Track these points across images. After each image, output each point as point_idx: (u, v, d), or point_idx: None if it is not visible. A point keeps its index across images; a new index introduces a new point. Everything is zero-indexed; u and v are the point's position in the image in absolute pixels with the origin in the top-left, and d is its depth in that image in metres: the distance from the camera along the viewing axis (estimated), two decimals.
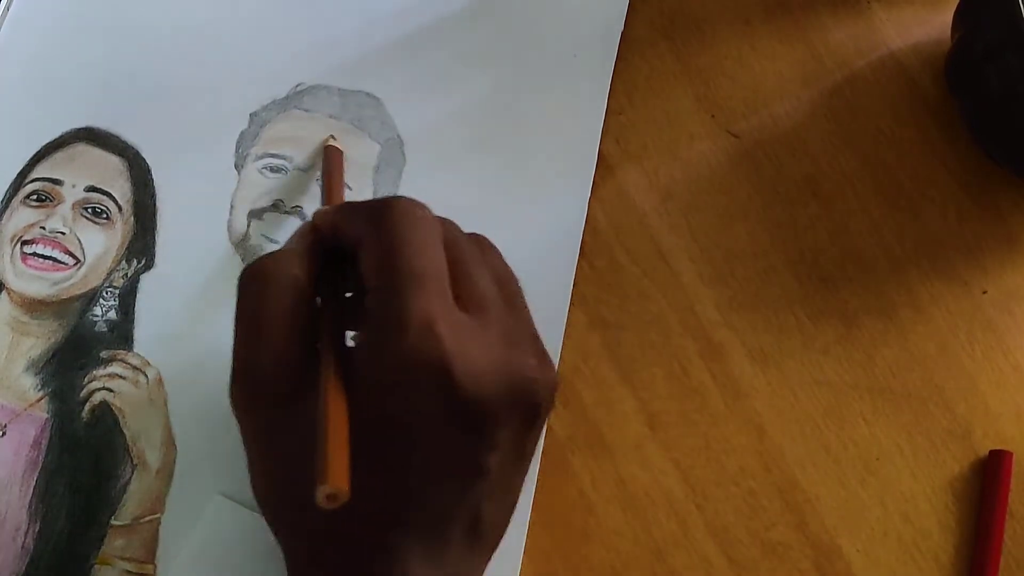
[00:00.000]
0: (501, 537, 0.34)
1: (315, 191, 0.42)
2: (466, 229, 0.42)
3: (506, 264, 0.36)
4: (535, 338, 0.34)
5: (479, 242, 0.36)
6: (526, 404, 0.32)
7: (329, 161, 0.41)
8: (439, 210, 0.42)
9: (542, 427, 0.34)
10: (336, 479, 0.28)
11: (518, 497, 0.34)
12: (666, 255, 0.42)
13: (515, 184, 0.43)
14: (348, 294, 0.34)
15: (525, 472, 0.34)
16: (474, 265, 0.34)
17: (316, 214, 0.36)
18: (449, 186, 0.43)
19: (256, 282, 0.33)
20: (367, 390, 0.31)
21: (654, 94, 0.44)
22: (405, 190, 0.42)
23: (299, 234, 0.35)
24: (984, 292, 0.42)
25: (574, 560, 0.39)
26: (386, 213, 0.32)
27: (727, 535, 0.39)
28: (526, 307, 0.35)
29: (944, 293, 0.42)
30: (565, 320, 0.41)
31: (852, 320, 0.41)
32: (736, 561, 0.39)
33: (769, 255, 0.42)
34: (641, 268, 0.42)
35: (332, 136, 0.43)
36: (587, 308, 0.41)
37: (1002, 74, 0.39)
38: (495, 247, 0.36)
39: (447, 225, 0.34)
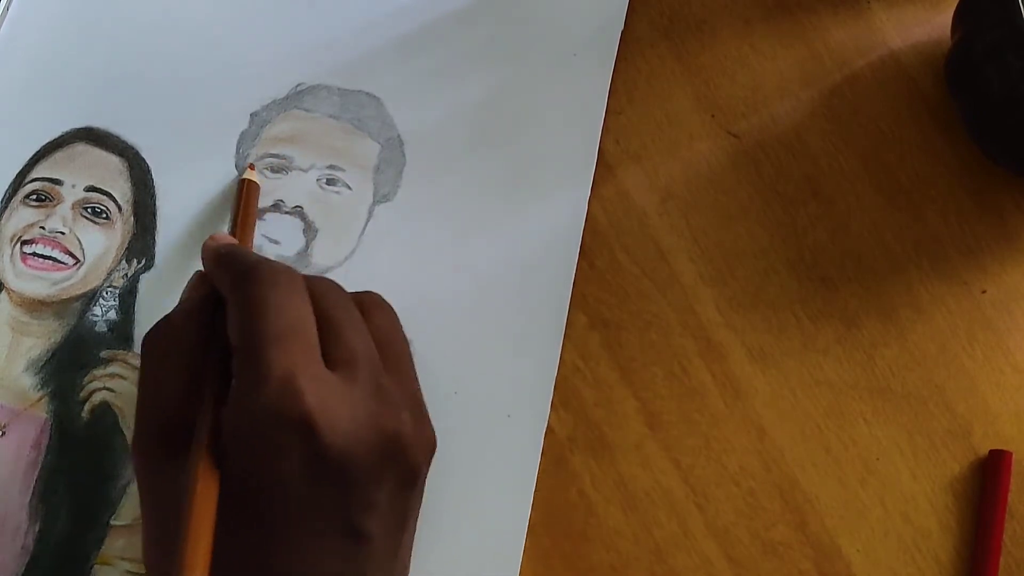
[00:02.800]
0: None
1: (316, 190, 0.42)
2: (466, 229, 0.42)
3: (396, 326, 0.35)
4: (415, 400, 0.34)
5: (366, 302, 0.35)
6: (399, 461, 0.32)
7: (243, 195, 0.41)
8: (439, 211, 0.42)
9: (421, 488, 0.33)
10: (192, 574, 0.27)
11: (409, 559, 0.34)
12: (666, 255, 0.42)
13: (515, 184, 0.43)
14: None
15: (411, 539, 0.34)
16: (346, 324, 0.33)
17: (204, 245, 0.36)
18: (449, 186, 0.43)
19: (149, 346, 0.34)
20: (231, 449, 0.30)
21: (654, 94, 0.44)
22: (405, 190, 0.42)
23: (190, 287, 0.36)
24: (984, 292, 0.42)
25: (574, 560, 0.39)
26: (248, 277, 0.32)
27: (727, 535, 0.39)
28: (411, 369, 0.35)
29: (944, 293, 0.42)
30: (565, 320, 0.41)
31: (852, 320, 0.41)
32: (736, 561, 0.39)
33: (769, 255, 0.42)
34: (641, 268, 0.42)
35: (251, 166, 0.42)
36: (587, 308, 0.41)
37: (1002, 74, 0.39)
38: (388, 308, 0.36)
39: (321, 285, 0.34)
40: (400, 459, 0.32)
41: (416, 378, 0.35)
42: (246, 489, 0.30)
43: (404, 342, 0.35)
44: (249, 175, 0.41)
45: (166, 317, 0.34)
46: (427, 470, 0.33)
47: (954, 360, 0.41)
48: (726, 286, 0.42)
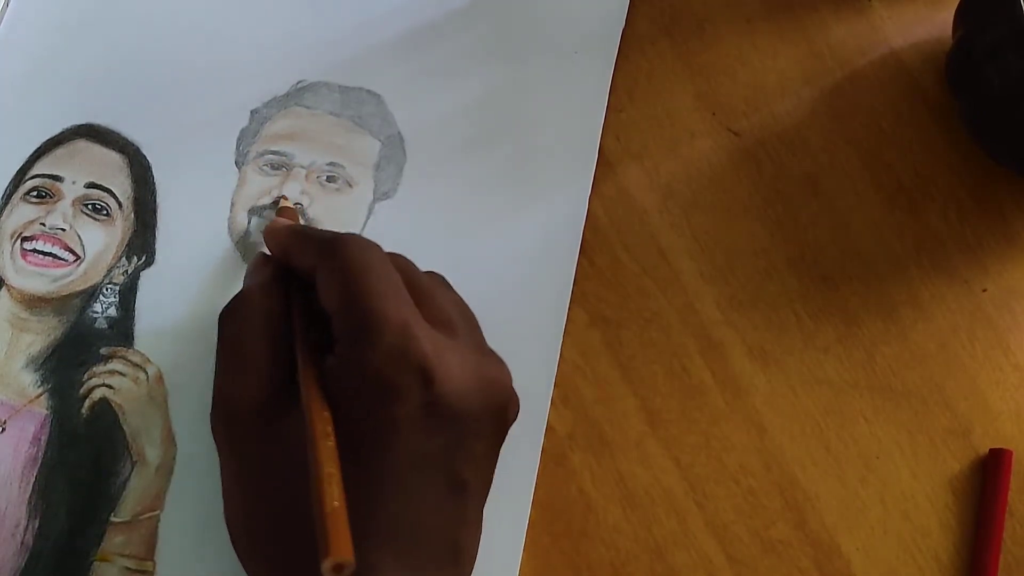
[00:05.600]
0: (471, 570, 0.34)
1: (316, 188, 0.42)
2: (467, 226, 0.42)
3: (461, 298, 0.37)
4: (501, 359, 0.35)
5: (435, 276, 0.37)
6: (499, 413, 0.33)
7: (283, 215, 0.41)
8: (440, 209, 0.42)
9: (500, 444, 0.34)
10: (339, 548, 0.27)
11: (481, 530, 0.34)
12: (666, 253, 0.42)
13: (516, 181, 0.43)
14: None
15: (485, 498, 0.34)
16: (434, 289, 0.35)
17: (266, 230, 0.38)
18: (450, 183, 0.43)
19: (233, 317, 0.35)
20: (345, 402, 0.31)
21: (655, 92, 0.44)
22: (406, 187, 0.42)
23: (257, 267, 0.37)
24: (984, 290, 0.42)
25: (574, 558, 0.39)
26: (339, 244, 0.33)
27: (727, 533, 0.39)
28: (483, 337, 0.36)
29: (944, 291, 0.42)
30: (565, 318, 0.41)
31: (852, 318, 0.41)
32: (736, 559, 0.39)
33: (769, 253, 0.42)
34: (641, 266, 0.42)
35: (283, 197, 0.42)
36: (587, 306, 0.41)
37: (1003, 73, 0.39)
38: (448, 283, 0.37)
39: (399, 258, 0.36)
40: (500, 411, 0.33)
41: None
42: (358, 437, 0.31)
43: (474, 315, 0.37)
44: (285, 203, 0.42)
45: (240, 294, 0.35)
46: (511, 424, 0.35)
47: (954, 359, 0.41)
48: (726, 284, 0.42)
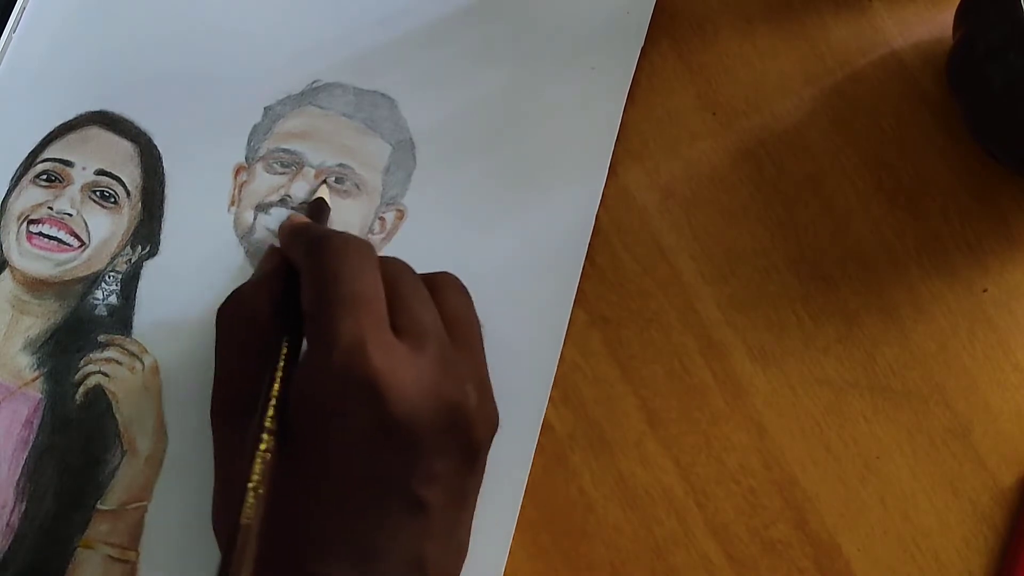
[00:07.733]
0: None
1: (324, 188, 0.42)
2: (472, 232, 0.42)
3: (467, 305, 0.36)
4: (481, 377, 0.35)
5: (439, 281, 0.36)
6: (461, 434, 0.32)
7: (313, 212, 0.41)
8: (446, 215, 0.42)
9: (482, 467, 0.34)
10: (236, 567, 0.28)
11: (466, 545, 0.34)
12: (667, 253, 0.42)
13: (525, 191, 0.42)
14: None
15: (470, 518, 0.34)
16: (413, 297, 0.34)
17: (281, 224, 0.39)
18: (457, 192, 0.42)
19: (223, 317, 0.35)
20: (299, 412, 0.31)
21: (655, 92, 0.44)
22: (414, 193, 0.42)
23: (263, 259, 0.38)
24: (985, 291, 0.42)
25: (573, 557, 0.39)
26: (323, 244, 0.34)
27: (727, 533, 0.39)
28: (479, 348, 0.36)
29: (945, 292, 0.42)
30: (567, 321, 0.41)
31: (853, 319, 0.41)
32: (736, 559, 0.39)
33: (770, 253, 0.42)
34: (642, 266, 0.42)
35: (326, 183, 0.42)
36: (588, 305, 0.41)
37: (1004, 73, 0.39)
38: (460, 288, 0.37)
39: (391, 262, 0.35)
40: (462, 432, 0.32)
41: (484, 358, 0.36)
42: (310, 453, 0.31)
43: (474, 322, 0.36)
44: (322, 193, 0.42)
45: (238, 289, 0.36)
46: (488, 448, 0.34)
47: (955, 359, 0.41)
48: (727, 284, 0.42)
